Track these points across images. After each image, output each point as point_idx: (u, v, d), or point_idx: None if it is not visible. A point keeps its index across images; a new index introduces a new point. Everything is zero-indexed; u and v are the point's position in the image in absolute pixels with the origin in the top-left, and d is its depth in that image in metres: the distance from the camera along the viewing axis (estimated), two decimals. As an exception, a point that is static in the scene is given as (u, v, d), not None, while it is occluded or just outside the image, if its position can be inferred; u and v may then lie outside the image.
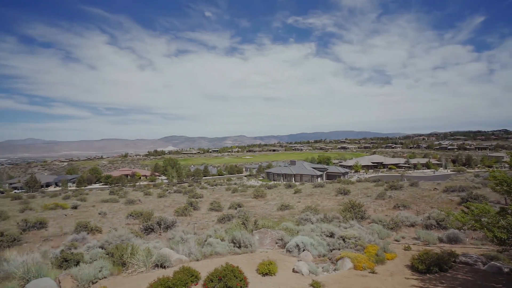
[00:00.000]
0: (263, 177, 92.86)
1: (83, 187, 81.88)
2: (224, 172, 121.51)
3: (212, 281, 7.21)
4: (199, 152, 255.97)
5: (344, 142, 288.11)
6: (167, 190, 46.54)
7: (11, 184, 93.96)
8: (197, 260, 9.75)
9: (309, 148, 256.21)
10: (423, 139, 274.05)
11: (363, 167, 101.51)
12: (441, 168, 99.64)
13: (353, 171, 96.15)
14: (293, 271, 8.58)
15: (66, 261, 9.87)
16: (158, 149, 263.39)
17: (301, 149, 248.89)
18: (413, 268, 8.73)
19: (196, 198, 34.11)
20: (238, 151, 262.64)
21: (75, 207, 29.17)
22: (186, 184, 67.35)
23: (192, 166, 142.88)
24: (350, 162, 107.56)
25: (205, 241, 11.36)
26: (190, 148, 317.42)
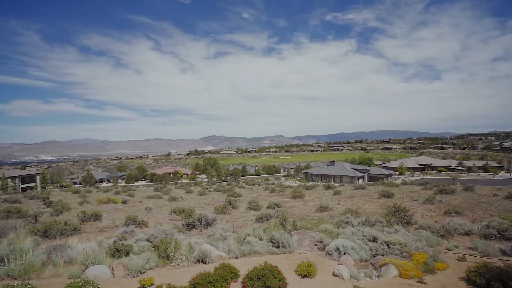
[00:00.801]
0: (301, 177, 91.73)
1: (131, 184, 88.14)
2: (262, 172, 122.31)
3: (251, 279, 7.30)
4: (237, 152, 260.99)
5: (387, 142, 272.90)
6: (207, 189, 48.16)
7: (71, 179, 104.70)
8: (236, 257, 9.94)
9: (349, 148, 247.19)
10: (480, 139, 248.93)
11: (409, 169, 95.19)
12: (502, 171, 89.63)
13: (397, 173, 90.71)
14: (333, 274, 8.35)
15: (117, 251, 10.70)
16: (199, 149, 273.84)
17: (341, 150, 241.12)
18: (469, 281, 7.90)
19: (235, 197, 34.80)
20: (275, 151, 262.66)
21: (124, 202, 31.50)
22: (225, 183, 69.07)
23: (231, 165, 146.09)
24: (394, 164, 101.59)
25: (244, 239, 11.55)
26: (229, 148, 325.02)
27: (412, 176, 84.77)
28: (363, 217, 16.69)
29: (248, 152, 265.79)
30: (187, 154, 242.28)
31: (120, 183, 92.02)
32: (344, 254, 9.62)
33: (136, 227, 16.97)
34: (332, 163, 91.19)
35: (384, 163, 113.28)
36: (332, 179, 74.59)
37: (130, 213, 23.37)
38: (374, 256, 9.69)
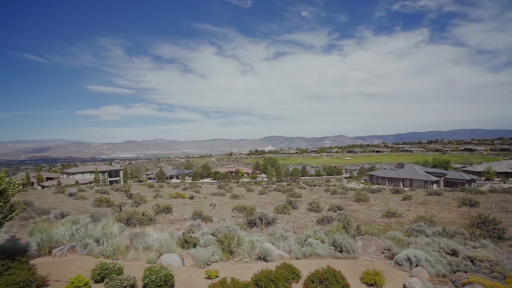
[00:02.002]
0: (365, 180, 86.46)
1: (196, 181, 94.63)
2: (323, 173, 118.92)
3: (313, 282, 7.17)
4: (297, 152, 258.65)
5: (469, 143, 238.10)
6: (267, 188, 48.90)
7: (147, 175, 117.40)
8: (297, 258, 9.88)
9: (421, 149, 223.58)
10: None
11: (499, 174, 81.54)
12: None
13: (483, 178, 78.58)
14: (404, 287, 7.66)
15: (186, 243, 11.62)
16: (259, 149, 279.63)
17: (411, 151, 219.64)
18: None
19: (295, 197, 34.58)
20: (337, 152, 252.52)
21: (191, 197, 34.00)
22: (284, 183, 69.15)
23: (290, 165, 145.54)
24: (478, 168, 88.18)
25: (305, 240, 11.39)
26: (289, 148, 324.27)
27: (504, 182, 72.40)
28: (439, 227, 14.91)
29: (308, 152, 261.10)
30: (248, 154, 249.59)
31: (187, 179, 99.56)
32: (417, 266, 8.75)
33: (202, 221, 18.15)
34: (400, 165, 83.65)
35: (465, 167, 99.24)
36: (401, 183, 68.41)
37: (197, 208, 25.09)
38: (454, 272, 8.58)
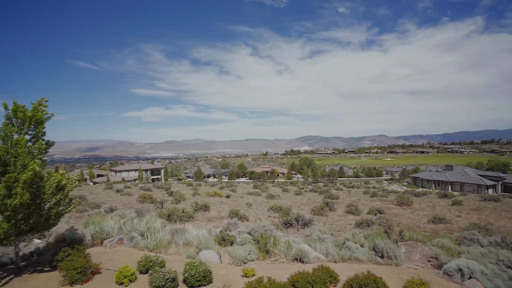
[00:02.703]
0: (408, 182, 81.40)
1: (233, 180, 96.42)
2: (361, 174, 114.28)
3: (352, 287, 6.93)
4: (334, 152, 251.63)
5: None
6: (303, 189, 48.25)
7: (186, 173, 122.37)
8: (335, 261, 9.61)
9: (473, 150, 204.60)
10: None
11: None
12: None
13: (550, 183, 69.54)
14: (455, 299, 7.07)
15: (223, 240, 11.90)
16: (294, 149, 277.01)
17: (461, 151, 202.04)
18: None
19: (332, 199, 33.68)
20: (377, 152, 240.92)
21: (228, 196, 34.74)
22: (321, 184, 67.67)
23: (327, 166, 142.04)
24: (544, 171, 78.30)
25: (343, 244, 11.05)
26: (325, 148, 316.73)
27: None
28: (497, 236, 13.52)
29: (346, 152, 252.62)
30: (283, 154, 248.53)
31: (223, 179, 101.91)
32: (470, 278, 8.02)
33: (238, 220, 18.47)
34: (449, 167, 77.36)
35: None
36: (449, 187, 63.21)
37: (233, 207, 25.59)
38: (514, 287, 7.72)
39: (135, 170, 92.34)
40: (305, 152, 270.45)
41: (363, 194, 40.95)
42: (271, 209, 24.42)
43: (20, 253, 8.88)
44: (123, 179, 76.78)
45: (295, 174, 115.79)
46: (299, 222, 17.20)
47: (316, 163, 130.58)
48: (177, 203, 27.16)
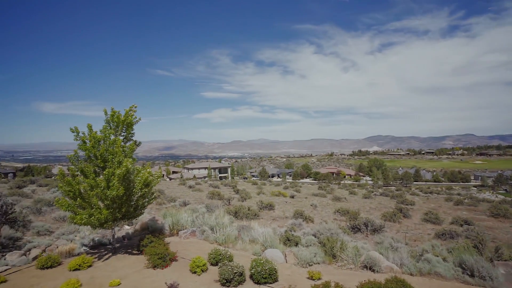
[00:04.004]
0: (505, 190, 69.07)
1: (297, 180, 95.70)
2: (442, 179, 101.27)
3: (433, 305, 6.21)
4: (408, 154, 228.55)
5: None
6: (372, 192, 45.12)
7: (251, 172, 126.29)
8: (411, 274, 8.73)
9: None
10: None
11: None
12: None
13: None
14: None
15: (288, 240, 11.91)
16: (362, 149, 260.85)
17: None
18: None
19: (406, 204, 30.68)
20: (462, 154, 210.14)
21: (292, 197, 34.64)
22: (393, 188, 62.24)
23: (400, 168, 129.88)
24: None
25: (421, 255, 9.97)
26: (398, 149, 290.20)
27: None
28: None
29: (423, 154, 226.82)
30: (350, 155, 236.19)
31: (287, 179, 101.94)
32: None
33: (303, 221, 18.25)
34: None
35: None
36: None
37: (297, 207, 25.40)
38: None
39: (205, 168, 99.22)
40: (375, 152, 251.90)
41: (444, 201, 36.22)
42: (337, 211, 23.47)
43: (115, 236, 10.41)
44: (194, 176, 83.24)
45: (363, 176, 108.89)
46: (368, 228, 16.12)
47: (387, 165, 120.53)
48: (243, 201, 28.22)
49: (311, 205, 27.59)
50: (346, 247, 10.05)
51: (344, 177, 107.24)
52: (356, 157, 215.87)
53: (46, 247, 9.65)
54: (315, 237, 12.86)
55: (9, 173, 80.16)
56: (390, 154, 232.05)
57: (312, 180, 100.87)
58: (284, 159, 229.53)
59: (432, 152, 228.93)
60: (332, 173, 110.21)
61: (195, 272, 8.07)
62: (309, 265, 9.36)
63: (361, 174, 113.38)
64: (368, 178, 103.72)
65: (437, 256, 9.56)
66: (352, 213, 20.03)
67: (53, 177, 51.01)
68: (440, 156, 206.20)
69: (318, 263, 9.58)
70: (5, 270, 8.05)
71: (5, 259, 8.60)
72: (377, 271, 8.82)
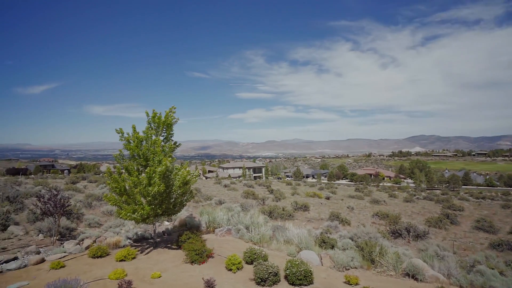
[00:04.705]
0: None
1: (332, 181, 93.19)
2: (497, 183, 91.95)
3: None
4: (456, 155, 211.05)
5: None
6: (414, 195, 42.41)
7: (285, 172, 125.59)
8: (461, 286, 8.06)
9: None
10: None
11: None
12: None
13: None
14: None
15: (324, 243, 11.65)
16: (403, 150, 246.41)
17: None
18: None
19: (454, 210, 28.36)
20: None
21: (327, 198, 33.79)
22: (438, 191, 57.94)
23: (446, 171, 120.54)
24: None
25: (472, 266, 9.17)
26: (444, 150, 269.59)
27: None
28: None
29: (473, 155, 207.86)
30: (390, 155, 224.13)
31: (322, 180, 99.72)
32: None
33: (339, 223, 17.75)
34: None
35: None
36: None
37: (333, 209, 24.74)
38: None
39: (239, 167, 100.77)
40: (417, 153, 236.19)
41: (501, 208, 32.84)
42: (376, 215, 22.44)
43: (156, 231, 11.00)
44: (229, 176, 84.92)
45: (404, 179, 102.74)
46: (411, 233, 15.17)
47: (431, 167, 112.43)
48: (277, 201, 28.16)
49: (348, 207, 26.70)
50: (386, 252, 9.58)
51: (383, 179, 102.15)
52: (396, 158, 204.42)
53: (96, 238, 10.50)
54: (352, 240, 12.43)
55: (65, 170, 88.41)
56: (434, 155, 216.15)
57: (349, 181, 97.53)
58: (319, 160, 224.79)
59: (485, 154, 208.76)
60: (370, 174, 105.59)
61: (230, 270, 8.22)
62: (346, 269, 9.07)
63: (401, 176, 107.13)
64: (409, 180, 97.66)
65: (493, 268, 8.71)
66: (392, 217, 19.01)
67: (101, 174, 55.29)
68: (495, 158, 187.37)
69: (356, 268, 9.25)
70: (64, 257, 8.90)
71: (63, 247, 9.52)
72: (420, 280, 8.28)
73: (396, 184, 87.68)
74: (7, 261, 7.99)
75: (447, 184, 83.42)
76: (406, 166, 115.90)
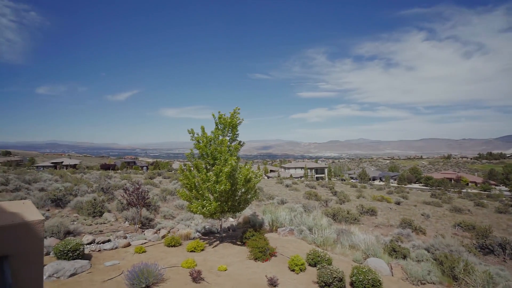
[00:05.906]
0: None
1: (403, 185, 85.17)
2: None
3: None
4: None
5: None
6: (510, 205, 35.97)
7: (349, 174, 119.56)
8: None
9: None
10: None
11: None
12: None
13: None
14: None
15: (394, 251, 10.72)
16: (494, 151, 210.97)
17: None
18: None
19: None
20: None
21: (397, 203, 31.01)
22: (542, 202, 47.97)
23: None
24: None
25: None
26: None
27: None
28: None
29: None
30: (475, 158, 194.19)
31: (391, 183, 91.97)
32: None
33: (412, 231, 16.14)
34: None
35: None
36: None
37: (405, 215, 22.63)
38: None
39: (301, 168, 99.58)
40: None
41: None
42: (458, 225, 19.73)
43: (222, 227, 11.61)
44: (291, 176, 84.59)
45: (496, 185, 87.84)
46: (507, 251, 12.89)
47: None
48: (341, 204, 27.00)
49: (422, 215, 24.08)
50: (473, 270, 8.34)
51: (467, 184, 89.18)
52: (484, 161, 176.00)
53: (170, 229, 11.59)
54: (429, 252, 11.19)
55: (144, 166, 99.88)
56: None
57: (423, 185, 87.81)
58: (388, 161, 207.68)
59: None
60: (450, 179, 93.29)
61: (293, 270, 8.19)
62: (422, 283, 8.20)
63: (492, 182, 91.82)
64: (503, 188, 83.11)
65: None
66: (480, 229, 16.42)
67: (173, 171, 60.84)
68: None
69: (434, 283, 8.29)
70: (145, 243, 10.07)
71: (144, 234, 10.78)
72: (520, 307, 7.00)
73: (485, 191, 75.63)
74: (103, 242, 9.53)
75: (556, 194, 68.48)
76: (499, 170, 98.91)
